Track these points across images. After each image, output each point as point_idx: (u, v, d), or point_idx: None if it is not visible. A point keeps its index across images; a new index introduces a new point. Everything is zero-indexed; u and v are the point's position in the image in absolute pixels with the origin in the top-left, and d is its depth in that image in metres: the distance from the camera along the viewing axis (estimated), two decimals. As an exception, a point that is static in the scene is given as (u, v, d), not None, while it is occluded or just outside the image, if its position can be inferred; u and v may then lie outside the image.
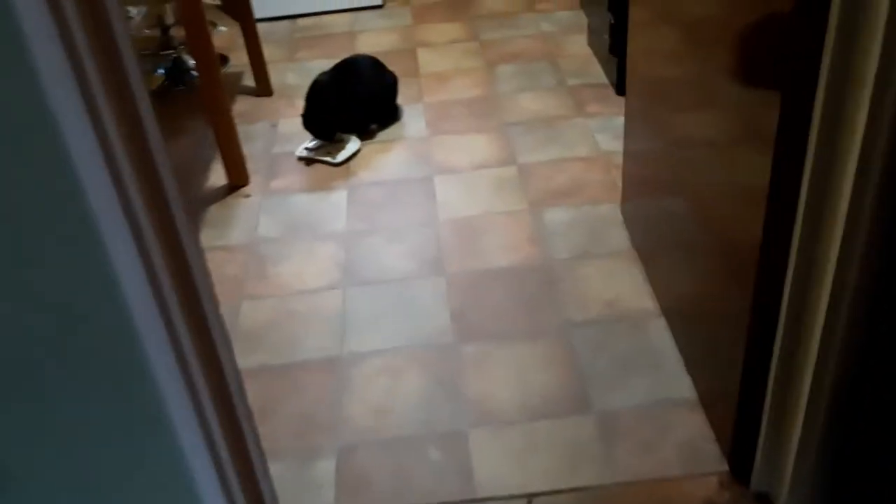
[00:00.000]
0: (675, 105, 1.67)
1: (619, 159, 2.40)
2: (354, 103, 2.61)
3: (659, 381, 1.69)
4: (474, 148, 2.57)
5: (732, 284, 1.41)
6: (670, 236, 1.80)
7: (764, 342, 1.31)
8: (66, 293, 0.70)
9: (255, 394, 1.78)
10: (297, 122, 2.78)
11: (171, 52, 3.21)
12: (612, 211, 2.20)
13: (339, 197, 2.40)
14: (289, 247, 2.19)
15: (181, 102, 3.01)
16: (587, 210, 2.22)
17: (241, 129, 2.75)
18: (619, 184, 2.28)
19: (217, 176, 2.51)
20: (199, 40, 2.23)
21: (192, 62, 3.17)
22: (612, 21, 2.65)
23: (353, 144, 2.60)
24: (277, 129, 2.79)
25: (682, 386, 1.67)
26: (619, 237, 2.10)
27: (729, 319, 1.43)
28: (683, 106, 1.62)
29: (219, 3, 3.26)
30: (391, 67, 2.80)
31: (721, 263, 1.48)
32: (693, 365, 1.69)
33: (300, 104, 2.80)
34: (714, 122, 1.45)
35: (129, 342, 0.73)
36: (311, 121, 2.56)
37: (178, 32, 3.28)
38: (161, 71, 3.18)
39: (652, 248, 1.96)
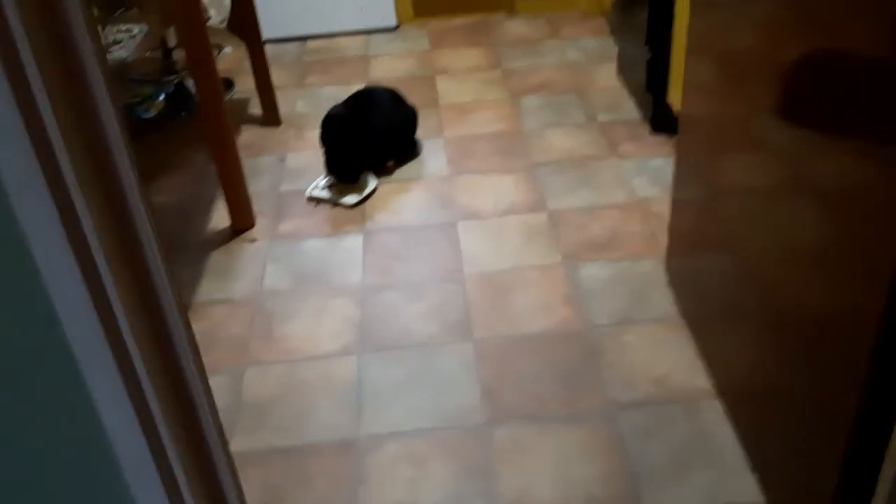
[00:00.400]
0: (743, 149, 1.46)
1: (659, 208, 2.21)
2: (372, 138, 2.41)
3: (719, 480, 1.48)
4: (500, 190, 2.37)
5: (824, 367, 1.20)
6: (728, 302, 1.59)
7: (873, 442, 1.11)
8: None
9: (259, 483, 1.58)
10: (307, 156, 2.59)
11: (173, 76, 3.02)
12: (654, 268, 1.99)
13: (353, 243, 2.19)
14: (298, 302, 1.99)
15: (184, 131, 2.81)
16: (626, 267, 2.01)
17: (247, 164, 2.56)
18: (660, 237, 2.08)
19: (220, 217, 2.31)
20: (202, 67, 2.02)
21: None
22: (651, 55, 2.46)
23: (370, 184, 2.41)
24: (286, 164, 2.59)
25: (747, 487, 1.46)
26: (664, 300, 1.90)
27: (816, 410, 1.22)
28: (753, 150, 1.41)
29: (223, 23, 3.08)
30: (408, 97, 2.61)
31: (802, 340, 1.27)
32: (760, 461, 1.48)
33: (310, 136, 2.61)
34: (802, 169, 1.25)
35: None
36: (334, 162, 2.36)
37: (181, 55, 3.09)
38: (162, 97, 2.98)
39: (704, 316, 1.75)
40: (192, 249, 2.21)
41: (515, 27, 3.48)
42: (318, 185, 2.42)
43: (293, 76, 3.19)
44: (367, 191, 2.38)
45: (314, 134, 2.40)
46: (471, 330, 1.86)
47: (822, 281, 1.19)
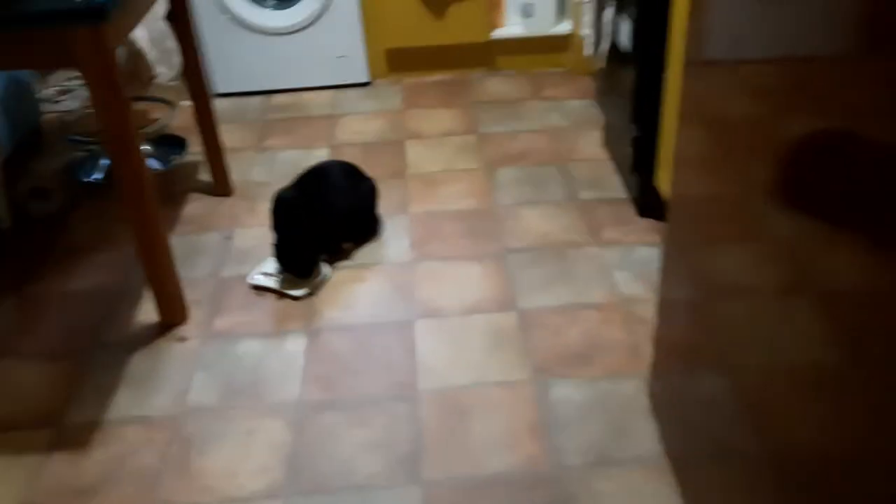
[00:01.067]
0: (742, 242, 1.19)
1: (643, 310, 1.95)
2: (326, 222, 2.16)
3: None
4: (466, 282, 2.11)
5: None
6: (720, 438, 1.32)
7: None
8: None
9: None
10: (257, 233, 2.33)
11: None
12: (636, 390, 1.73)
13: (295, 345, 1.93)
14: (225, 423, 1.72)
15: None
16: (605, 388, 1.75)
17: (188, 242, 2.31)
18: (644, 348, 1.83)
19: (149, 307, 2.05)
20: (120, 147, 1.75)
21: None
22: (638, 134, 2.22)
23: (322, 275, 2.14)
24: (232, 243, 2.33)
25: None
26: (646, 434, 1.64)
27: None
28: (755, 243, 1.14)
29: (175, 80, 2.83)
30: (374, 163, 2.37)
31: (813, 492, 1.01)
32: None
33: (263, 209, 2.36)
34: (812, 267, 0.99)
35: None
36: (285, 253, 2.09)
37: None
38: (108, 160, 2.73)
39: (691, 455, 1.48)
40: (111, 348, 1.94)
41: (495, 85, 3.25)
42: (265, 269, 2.16)
43: (252, 136, 2.94)
44: (318, 282, 2.12)
45: (267, 207, 2.15)
46: (420, 469, 1.59)
47: (836, 412, 0.93)
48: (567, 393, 1.74)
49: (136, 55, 2.68)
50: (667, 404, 1.63)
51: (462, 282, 2.12)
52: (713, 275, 1.30)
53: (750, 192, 1.13)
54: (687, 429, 1.51)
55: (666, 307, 1.59)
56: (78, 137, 2.80)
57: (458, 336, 1.93)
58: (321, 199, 2.16)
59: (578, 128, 2.88)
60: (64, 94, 3.19)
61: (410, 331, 1.96)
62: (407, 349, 1.90)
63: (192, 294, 2.10)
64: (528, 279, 2.11)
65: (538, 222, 2.35)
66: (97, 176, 2.74)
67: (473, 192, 2.52)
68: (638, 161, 2.25)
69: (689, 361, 1.47)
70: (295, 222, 2.11)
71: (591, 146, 2.75)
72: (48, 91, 3.15)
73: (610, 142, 2.65)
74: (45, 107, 3.10)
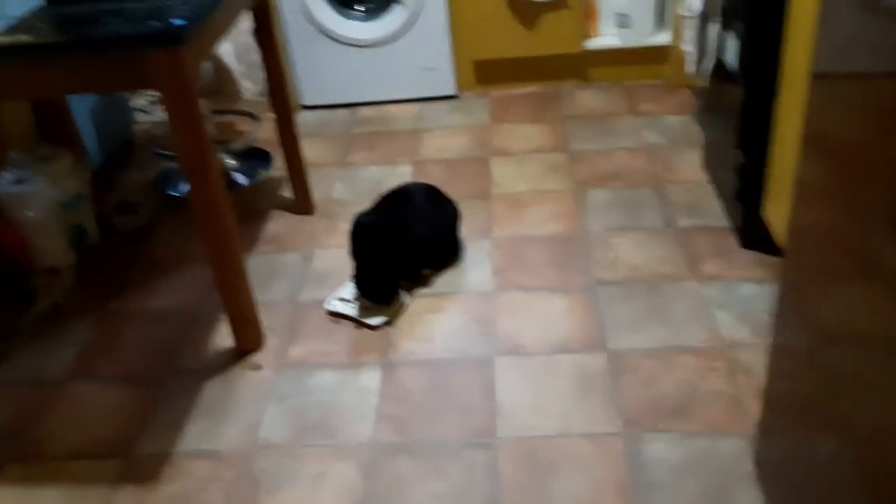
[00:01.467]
0: (881, 283, 1.02)
1: (747, 357, 1.78)
2: (407, 248, 2.07)
3: None
4: (551, 316, 1.98)
5: None
6: None
7: None
8: None
9: None
10: (335, 254, 2.27)
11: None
12: (738, 451, 1.57)
13: (370, 379, 1.84)
14: (294, 462, 1.65)
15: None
16: (703, 446, 1.59)
17: (268, 262, 2.26)
18: (748, 402, 1.66)
19: (224, 333, 2.01)
20: (199, 177, 1.71)
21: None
22: (743, 161, 2.03)
23: (401, 303, 2.06)
24: (311, 265, 2.27)
25: None
26: (750, 503, 1.47)
27: None
28: None
29: (262, 94, 2.81)
30: (458, 182, 2.27)
31: None
32: None
33: (343, 228, 2.30)
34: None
35: None
36: (364, 280, 2.02)
37: (220, 125, 2.83)
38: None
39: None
40: (186, 374, 1.90)
41: (587, 99, 3.09)
42: (343, 295, 2.09)
43: (336, 151, 2.89)
44: (396, 310, 2.03)
45: (348, 227, 2.07)
46: (497, 527, 1.48)
47: None
48: (660, 451, 1.59)
49: (222, 70, 2.66)
50: (776, 470, 1.45)
51: (547, 316, 1.99)
52: (839, 320, 1.13)
53: (890, 226, 0.96)
54: (800, 501, 1.34)
55: (779, 356, 1.41)
56: (164, 151, 2.81)
57: (542, 378, 1.80)
58: (402, 224, 2.07)
59: (676, 147, 2.70)
60: (155, 104, 3.21)
61: (490, 369, 1.84)
62: (486, 390, 1.79)
63: (269, 318, 2.04)
64: (618, 316, 1.96)
65: (631, 251, 2.19)
66: (184, 189, 2.73)
67: (561, 215, 2.39)
68: (743, 190, 2.07)
69: (806, 422, 1.29)
70: (375, 249, 2.02)
71: (689, 167, 2.57)
72: (140, 101, 3.18)
73: (711, 163, 2.47)
74: (139, 116, 3.13)
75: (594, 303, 2.01)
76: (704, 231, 2.25)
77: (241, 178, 2.75)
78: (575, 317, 1.97)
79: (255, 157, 2.84)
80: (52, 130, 2.42)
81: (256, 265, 2.28)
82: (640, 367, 1.80)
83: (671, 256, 2.15)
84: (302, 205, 2.51)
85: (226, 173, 2.76)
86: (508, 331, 1.95)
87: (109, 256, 2.40)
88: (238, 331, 1.94)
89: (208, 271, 2.23)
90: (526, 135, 2.88)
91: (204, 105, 2.69)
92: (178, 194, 2.71)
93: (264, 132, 2.94)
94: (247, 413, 1.78)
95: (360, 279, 2.02)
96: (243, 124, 2.97)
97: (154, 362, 1.96)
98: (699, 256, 2.14)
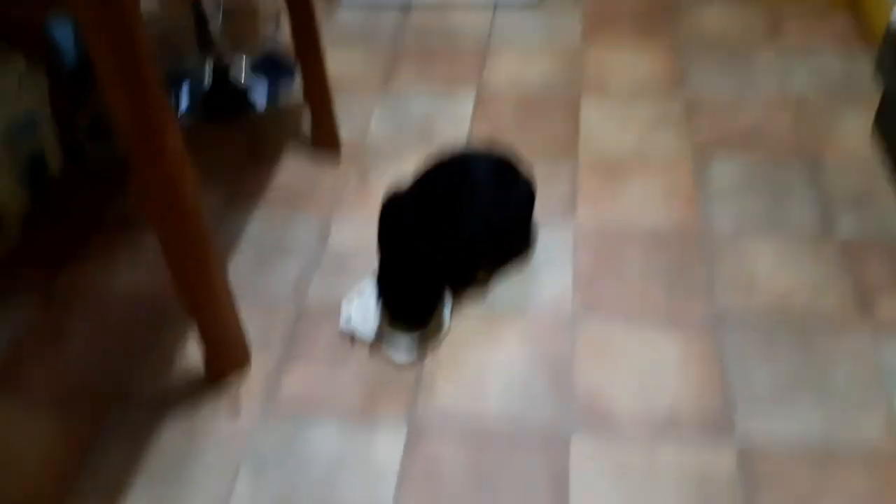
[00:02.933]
0: None
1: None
2: (459, 243, 1.46)
3: None
4: (658, 368, 1.38)
5: None
6: None
7: None
8: None
9: None
10: (361, 227, 1.69)
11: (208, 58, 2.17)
12: None
13: (388, 447, 1.29)
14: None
15: (218, 142, 1.93)
16: None
17: (272, 232, 1.72)
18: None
19: (194, 344, 1.46)
20: (150, 162, 1.12)
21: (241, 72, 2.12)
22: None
23: (439, 325, 1.47)
24: (328, 242, 1.68)
25: None
26: None
27: None
28: None
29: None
30: (532, 132, 1.67)
31: None
32: None
33: (376, 188, 1.72)
34: None
35: None
36: (392, 290, 1.43)
37: (223, 31, 2.19)
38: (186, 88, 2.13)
39: None
40: (138, 408, 1.38)
41: (715, 16, 2.33)
42: (364, 295, 1.51)
43: (377, 66, 2.22)
44: (433, 335, 1.45)
45: (383, 184, 1.47)
46: None
47: None
48: None
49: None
50: None
51: (650, 367, 1.39)
52: None
53: None
54: None
55: None
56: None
57: (639, 479, 1.23)
58: (454, 210, 1.45)
59: (835, 98, 1.97)
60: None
61: (563, 452, 1.27)
62: (555, 490, 1.22)
63: (261, 323, 1.49)
64: (754, 378, 1.35)
65: (773, 268, 1.55)
66: (183, 106, 2.14)
67: (674, 195, 1.73)
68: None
69: None
70: (411, 243, 1.42)
71: (855, 132, 1.86)
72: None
73: (888, 129, 1.76)
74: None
75: (718, 351, 1.40)
76: (876, 245, 1.58)
77: (259, 98, 2.13)
78: (690, 373, 1.37)
79: (275, 69, 2.21)
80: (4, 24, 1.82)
81: (257, 233, 1.70)
82: (785, 477, 1.21)
83: (831, 283, 1.51)
84: (325, 140, 1.89)
85: (238, 92, 2.15)
86: (592, 387, 1.37)
87: (73, 199, 1.85)
88: (212, 357, 1.39)
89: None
90: (630, 63, 2.16)
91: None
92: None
93: (285, 35, 2.29)
94: (211, 484, 1.26)
95: (386, 283, 1.43)
96: (261, 23, 2.31)
97: (101, 379, 1.44)
98: (872, 288, 1.49)
